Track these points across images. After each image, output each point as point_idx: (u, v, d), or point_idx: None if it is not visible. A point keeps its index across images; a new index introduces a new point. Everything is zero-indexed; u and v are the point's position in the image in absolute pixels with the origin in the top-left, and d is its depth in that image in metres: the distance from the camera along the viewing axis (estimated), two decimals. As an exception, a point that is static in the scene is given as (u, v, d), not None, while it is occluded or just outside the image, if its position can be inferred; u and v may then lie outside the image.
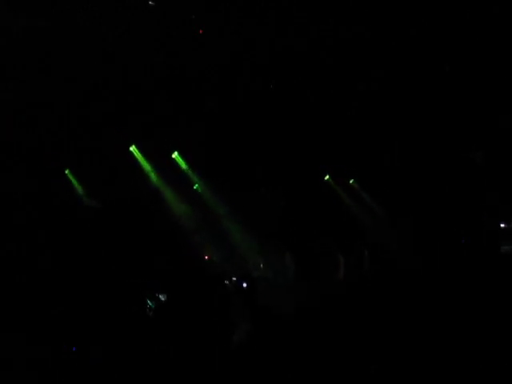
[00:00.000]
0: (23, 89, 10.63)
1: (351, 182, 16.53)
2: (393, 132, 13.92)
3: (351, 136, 14.15)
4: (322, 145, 14.26)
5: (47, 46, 9.94)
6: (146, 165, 14.18)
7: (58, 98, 11.29)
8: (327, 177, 16.30)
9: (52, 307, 6.71)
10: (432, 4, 10.22)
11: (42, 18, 9.28)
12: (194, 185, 15.13)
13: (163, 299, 9.80)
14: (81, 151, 12.64)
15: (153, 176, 14.30)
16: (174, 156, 14.70)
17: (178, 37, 10.59)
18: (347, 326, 5.93)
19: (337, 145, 14.34)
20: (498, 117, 12.88)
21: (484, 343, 5.19)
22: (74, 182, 13.63)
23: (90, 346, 5.58)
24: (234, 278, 12.57)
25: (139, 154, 14.08)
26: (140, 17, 9.93)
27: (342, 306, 6.66)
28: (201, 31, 10.64)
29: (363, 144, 14.39)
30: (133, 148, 14.01)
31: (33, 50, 9.88)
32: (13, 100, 10.74)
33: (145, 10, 9.77)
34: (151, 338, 6.81)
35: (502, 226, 13.19)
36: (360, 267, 13.00)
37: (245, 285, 12.64)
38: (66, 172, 13.61)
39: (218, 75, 11.76)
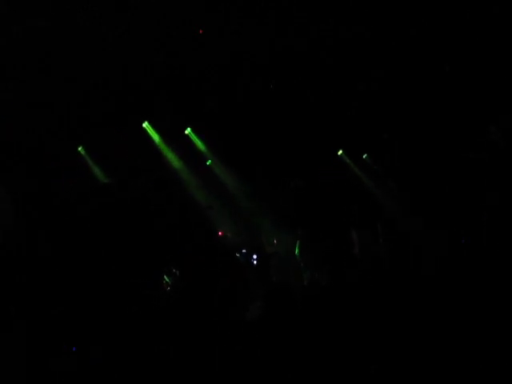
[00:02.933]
0: (36, 65, 10.68)
1: (364, 156, 16.41)
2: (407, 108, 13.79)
3: (364, 110, 14.04)
4: (334, 119, 14.18)
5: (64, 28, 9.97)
6: (159, 142, 14.18)
7: (70, 77, 11.31)
8: (340, 152, 16.20)
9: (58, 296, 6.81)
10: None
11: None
12: (207, 161, 15.09)
13: (179, 274, 9.90)
14: (93, 128, 12.65)
15: (165, 152, 14.31)
16: (187, 132, 14.66)
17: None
18: (350, 313, 5.98)
19: (350, 119, 14.24)
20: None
21: (484, 343, 5.21)
22: (88, 159, 13.66)
23: (91, 345, 5.62)
24: (244, 251, 12.66)
25: (152, 130, 14.07)
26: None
27: (350, 290, 6.70)
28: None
29: (377, 119, 14.29)
30: (145, 124, 14.00)
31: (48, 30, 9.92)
32: (24, 76, 10.78)
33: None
34: (167, 313, 6.90)
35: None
36: (375, 242, 12.97)
37: (255, 256, 12.77)
38: (79, 149, 13.65)
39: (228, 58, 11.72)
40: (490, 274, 6.65)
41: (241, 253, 12.64)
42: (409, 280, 6.80)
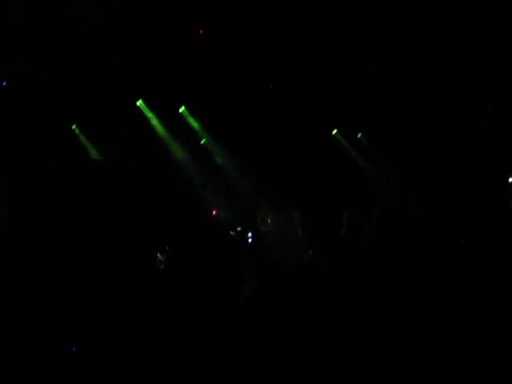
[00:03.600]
0: (27, 43, 10.52)
1: (359, 136, 16.22)
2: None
3: (359, 87, 13.86)
4: (328, 99, 14.03)
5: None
6: (153, 119, 14.05)
7: (64, 53, 11.15)
8: (335, 131, 16.03)
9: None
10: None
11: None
12: (201, 139, 14.99)
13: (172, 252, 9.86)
14: (87, 105, 12.50)
15: (160, 130, 14.20)
16: (180, 110, 14.51)
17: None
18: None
19: (344, 98, 14.07)
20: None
21: (485, 343, 5.18)
22: (81, 137, 13.53)
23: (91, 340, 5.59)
24: (239, 228, 12.61)
25: (146, 108, 13.92)
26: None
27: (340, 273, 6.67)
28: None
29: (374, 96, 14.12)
30: (139, 102, 13.83)
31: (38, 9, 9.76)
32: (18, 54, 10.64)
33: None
34: (161, 291, 6.86)
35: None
36: (369, 225, 12.91)
37: (250, 235, 12.74)
38: (73, 127, 13.50)
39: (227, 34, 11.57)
40: (489, 271, 6.61)
41: (235, 230, 12.59)
42: (399, 270, 6.73)
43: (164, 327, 5.93)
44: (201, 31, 11.08)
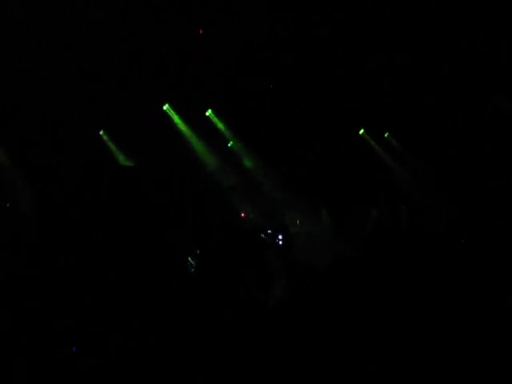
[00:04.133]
0: (53, 46, 10.58)
1: (386, 135, 16.20)
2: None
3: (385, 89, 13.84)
4: (356, 99, 14.02)
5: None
6: (180, 123, 14.03)
7: (90, 58, 11.20)
8: (362, 131, 16.02)
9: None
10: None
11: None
12: (228, 142, 14.99)
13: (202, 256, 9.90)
14: (114, 111, 12.52)
15: (188, 134, 14.18)
16: (207, 114, 14.48)
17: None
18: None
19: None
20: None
21: (485, 342, 5.18)
22: (110, 142, 13.50)
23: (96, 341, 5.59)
24: (270, 231, 12.64)
25: (173, 112, 13.90)
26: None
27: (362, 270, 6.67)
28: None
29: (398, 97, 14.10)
30: (166, 107, 13.80)
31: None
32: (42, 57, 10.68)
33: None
34: (192, 294, 6.88)
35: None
36: (397, 222, 12.90)
37: (280, 237, 12.77)
38: (101, 133, 13.48)
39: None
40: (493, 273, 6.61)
41: (266, 233, 12.61)
42: (417, 273, 6.74)
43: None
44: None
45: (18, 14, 9.68)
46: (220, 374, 5.21)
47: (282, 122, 13.89)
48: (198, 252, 9.80)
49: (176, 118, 13.88)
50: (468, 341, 5.31)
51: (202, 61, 12.13)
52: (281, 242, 12.58)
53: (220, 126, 14.53)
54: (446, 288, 6.25)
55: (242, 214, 14.02)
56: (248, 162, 14.92)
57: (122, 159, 13.51)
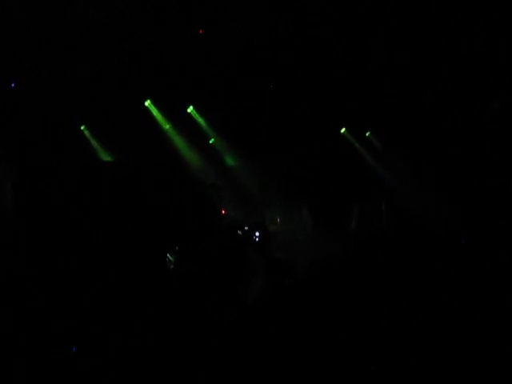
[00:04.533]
0: (34, 43, 10.56)
1: (367, 134, 16.23)
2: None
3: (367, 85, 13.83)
4: (337, 97, 14.03)
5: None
6: (161, 120, 14.03)
7: (71, 54, 11.17)
8: (343, 130, 16.03)
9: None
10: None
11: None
12: (209, 139, 14.98)
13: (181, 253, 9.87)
14: (95, 106, 12.51)
15: (169, 130, 14.18)
16: (189, 110, 14.50)
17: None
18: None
19: (345, 98, 14.07)
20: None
21: (485, 342, 5.18)
22: (91, 138, 13.54)
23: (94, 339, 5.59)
24: (247, 228, 12.60)
25: (154, 108, 13.90)
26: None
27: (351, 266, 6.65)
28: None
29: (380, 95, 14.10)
30: (148, 103, 13.82)
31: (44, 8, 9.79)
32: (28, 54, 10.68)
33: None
34: (170, 290, 6.88)
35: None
36: (378, 220, 12.89)
37: (257, 234, 12.73)
38: (82, 128, 13.51)
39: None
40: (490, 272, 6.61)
41: (243, 230, 12.58)
42: (407, 268, 6.73)
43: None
44: (201, 31, 11.07)
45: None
46: (220, 374, 5.21)
47: (265, 117, 13.90)
48: (177, 248, 9.78)
49: (157, 114, 13.91)
50: (468, 341, 5.30)
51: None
52: (257, 239, 12.56)
53: (201, 122, 14.54)
54: (445, 288, 6.24)
55: (223, 211, 14.02)
56: (229, 160, 14.92)
57: (102, 155, 13.53)
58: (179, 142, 14.28)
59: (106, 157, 13.51)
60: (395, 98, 13.70)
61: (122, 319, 6.11)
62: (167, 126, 14.55)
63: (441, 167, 14.21)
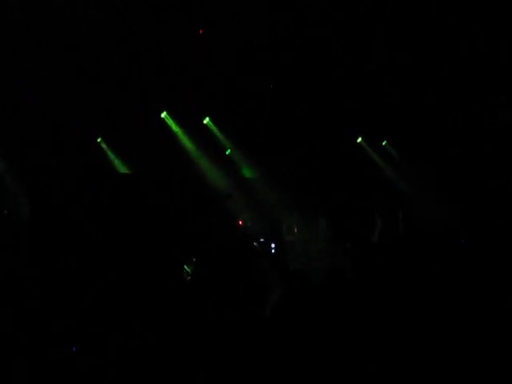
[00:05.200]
0: (51, 55, 10.61)
1: (384, 143, 16.23)
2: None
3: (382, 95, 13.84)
4: (354, 107, 14.05)
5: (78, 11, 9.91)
6: (178, 131, 13.99)
7: (87, 68, 11.22)
8: (360, 139, 16.04)
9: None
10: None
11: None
12: (226, 150, 14.96)
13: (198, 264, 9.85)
14: (112, 119, 12.53)
15: (185, 142, 14.15)
16: (205, 122, 14.48)
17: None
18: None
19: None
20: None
21: (485, 342, 5.18)
22: (108, 150, 13.54)
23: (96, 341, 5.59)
24: (262, 240, 12.59)
25: (171, 120, 13.88)
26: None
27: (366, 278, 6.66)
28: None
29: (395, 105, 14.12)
30: (164, 115, 13.81)
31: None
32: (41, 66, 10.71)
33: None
34: (188, 302, 6.88)
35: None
36: (395, 230, 12.87)
37: (273, 245, 12.72)
38: (99, 140, 13.50)
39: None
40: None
41: (259, 242, 12.56)
42: (422, 275, 6.74)
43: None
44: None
45: (18, 13, 9.68)
46: (220, 374, 5.21)
47: (282, 122, 13.89)
48: (194, 260, 9.77)
49: (174, 126, 13.88)
50: (468, 341, 5.31)
51: (202, 61, 12.14)
52: (273, 251, 12.55)
53: (218, 134, 14.51)
54: (445, 288, 6.25)
55: (240, 222, 13.98)
56: (246, 170, 14.89)
57: (120, 167, 13.53)
58: (195, 152, 14.23)
59: (121, 168, 13.51)
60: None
61: (121, 319, 6.11)
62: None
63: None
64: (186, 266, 9.46)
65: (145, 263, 8.28)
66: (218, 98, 13.00)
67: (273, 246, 12.62)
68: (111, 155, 13.52)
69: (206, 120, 14.42)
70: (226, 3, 10.78)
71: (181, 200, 12.61)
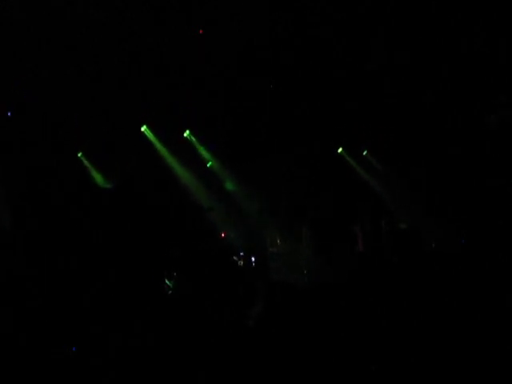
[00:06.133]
0: (32, 66, 10.60)
1: (364, 153, 16.26)
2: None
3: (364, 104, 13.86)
4: (333, 117, 14.06)
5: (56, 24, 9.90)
6: (158, 145, 13.99)
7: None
8: (340, 149, 16.06)
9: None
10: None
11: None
12: (207, 163, 14.97)
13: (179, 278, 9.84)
14: (92, 134, 12.48)
15: (166, 155, 14.13)
16: (185, 135, 14.48)
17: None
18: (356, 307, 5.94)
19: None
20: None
21: (485, 343, 5.17)
22: (87, 164, 13.49)
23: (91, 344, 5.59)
24: (242, 254, 12.58)
25: (151, 134, 13.87)
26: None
27: (356, 286, 6.66)
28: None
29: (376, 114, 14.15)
30: (144, 128, 13.79)
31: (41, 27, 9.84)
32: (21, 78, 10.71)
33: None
34: (169, 317, 6.87)
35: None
36: (377, 239, 12.88)
37: (253, 259, 12.71)
38: (79, 155, 13.45)
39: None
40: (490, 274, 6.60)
41: (239, 256, 12.57)
42: (410, 278, 6.73)
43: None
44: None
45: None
46: (220, 374, 5.21)
47: (262, 141, 13.91)
48: (175, 274, 9.76)
49: (154, 140, 13.87)
50: (468, 341, 5.30)
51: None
52: (253, 264, 12.55)
53: (198, 146, 14.52)
54: (445, 288, 6.24)
55: (223, 234, 13.96)
56: (228, 184, 14.89)
57: (100, 181, 13.50)
58: (177, 166, 14.21)
59: (102, 183, 13.47)
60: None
61: (121, 319, 6.11)
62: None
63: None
64: (167, 280, 9.47)
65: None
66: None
67: (253, 259, 12.65)
68: (91, 169, 13.50)
69: (187, 133, 14.44)
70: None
71: (161, 214, 12.57)
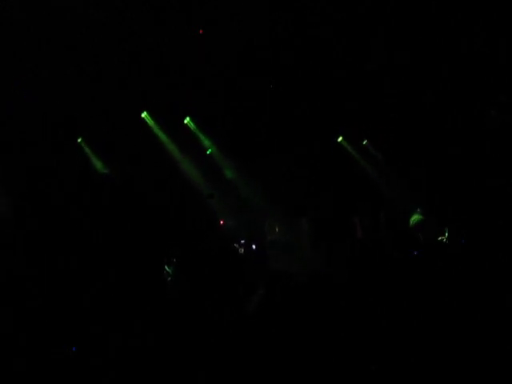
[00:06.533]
0: (31, 52, 10.59)
1: (364, 142, 16.24)
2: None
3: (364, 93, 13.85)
4: (334, 106, 14.05)
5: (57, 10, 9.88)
6: (158, 131, 13.97)
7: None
8: (340, 138, 16.04)
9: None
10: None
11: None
12: (207, 150, 14.92)
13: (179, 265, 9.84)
14: (92, 119, 12.47)
15: (166, 142, 14.11)
16: (186, 121, 14.42)
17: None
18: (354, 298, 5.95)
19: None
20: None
21: (485, 343, 5.18)
22: (87, 150, 13.43)
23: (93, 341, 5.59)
24: (243, 241, 12.57)
25: (151, 120, 13.84)
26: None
27: (355, 280, 6.66)
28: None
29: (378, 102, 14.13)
30: (144, 114, 13.74)
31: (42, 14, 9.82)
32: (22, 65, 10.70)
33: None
34: (168, 304, 6.87)
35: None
36: (376, 230, 12.87)
37: (254, 247, 12.69)
38: (79, 140, 13.41)
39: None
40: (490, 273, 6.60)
41: (239, 243, 12.54)
42: (409, 278, 6.73)
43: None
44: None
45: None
46: (220, 374, 5.21)
47: (262, 128, 13.89)
48: (175, 261, 9.74)
49: (154, 126, 13.85)
50: (468, 341, 5.30)
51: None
52: (254, 252, 12.53)
53: (198, 133, 14.48)
54: (445, 288, 6.24)
55: (221, 222, 13.95)
56: (228, 171, 14.87)
57: (99, 167, 13.46)
58: (177, 153, 14.19)
59: (101, 169, 13.46)
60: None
61: (121, 319, 6.11)
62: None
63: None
64: (166, 267, 9.47)
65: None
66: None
67: (254, 247, 12.62)
68: (90, 154, 13.44)
69: (187, 120, 14.37)
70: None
71: (161, 200, 12.55)
